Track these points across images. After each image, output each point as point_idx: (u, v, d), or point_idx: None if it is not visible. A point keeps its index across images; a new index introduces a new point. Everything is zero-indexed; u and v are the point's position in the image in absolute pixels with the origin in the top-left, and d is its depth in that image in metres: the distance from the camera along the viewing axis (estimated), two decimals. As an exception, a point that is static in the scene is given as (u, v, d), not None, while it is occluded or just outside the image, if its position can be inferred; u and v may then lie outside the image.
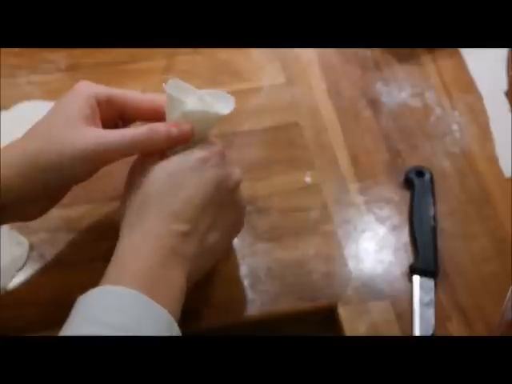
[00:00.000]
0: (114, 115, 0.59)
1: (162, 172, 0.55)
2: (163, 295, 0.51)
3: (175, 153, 0.57)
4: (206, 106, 0.57)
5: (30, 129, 0.57)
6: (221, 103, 0.58)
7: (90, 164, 0.56)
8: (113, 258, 0.53)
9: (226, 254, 0.64)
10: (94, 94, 0.58)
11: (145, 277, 0.51)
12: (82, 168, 0.56)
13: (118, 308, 0.49)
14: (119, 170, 0.69)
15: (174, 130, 0.56)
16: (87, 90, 0.58)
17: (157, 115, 0.58)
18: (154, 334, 0.48)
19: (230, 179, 0.57)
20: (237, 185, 0.58)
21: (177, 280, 0.53)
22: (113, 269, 0.53)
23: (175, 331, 0.50)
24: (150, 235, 0.53)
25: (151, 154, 0.57)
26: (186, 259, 0.54)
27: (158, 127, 0.56)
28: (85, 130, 0.56)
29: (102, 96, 0.58)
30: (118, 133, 0.56)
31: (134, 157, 0.59)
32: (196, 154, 0.56)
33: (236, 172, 0.58)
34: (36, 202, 0.58)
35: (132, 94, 0.60)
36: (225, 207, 0.57)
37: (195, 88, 0.58)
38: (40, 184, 0.55)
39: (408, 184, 0.70)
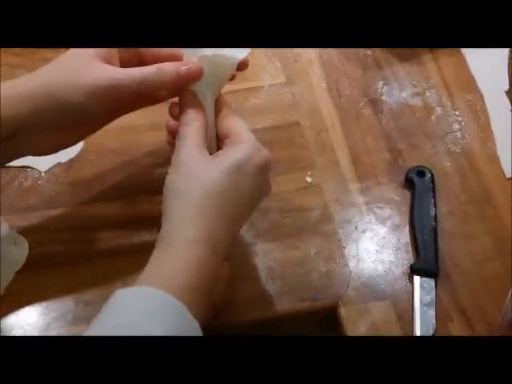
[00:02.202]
0: (135, 60, 0.60)
1: (223, 172, 0.55)
2: (204, 309, 0.52)
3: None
4: (221, 50, 0.58)
5: (48, 64, 0.58)
6: (234, 52, 0.59)
7: (102, 99, 0.57)
8: (161, 245, 0.53)
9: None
10: None
11: (195, 290, 0.51)
12: (94, 102, 0.56)
13: (157, 316, 0.48)
14: (119, 170, 0.70)
15: (183, 69, 0.57)
16: None
17: (174, 60, 0.59)
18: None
19: (269, 190, 0.60)
20: (267, 195, 0.60)
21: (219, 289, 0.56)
22: (165, 261, 0.52)
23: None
24: (207, 236, 0.53)
25: (162, 94, 0.60)
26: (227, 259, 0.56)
27: (167, 66, 0.58)
28: (100, 65, 0.57)
29: None
30: (129, 70, 0.58)
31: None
32: (255, 159, 0.56)
33: (270, 185, 0.60)
34: (47, 134, 0.58)
35: None
36: (254, 207, 0.59)
37: None
38: (52, 116, 0.56)
39: (409, 184, 0.70)
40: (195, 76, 0.58)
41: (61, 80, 0.56)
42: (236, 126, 0.58)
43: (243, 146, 0.56)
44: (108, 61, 0.58)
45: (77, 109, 0.56)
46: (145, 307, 0.48)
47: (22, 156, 0.61)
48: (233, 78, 0.61)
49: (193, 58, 0.58)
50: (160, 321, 0.48)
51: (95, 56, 0.57)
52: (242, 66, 0.61)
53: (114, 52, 0.59)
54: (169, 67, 0.58)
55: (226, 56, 0.58)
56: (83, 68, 0.57)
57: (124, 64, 0.60)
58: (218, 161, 0.55)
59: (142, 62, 0.60)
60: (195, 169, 0.55)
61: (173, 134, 0.60)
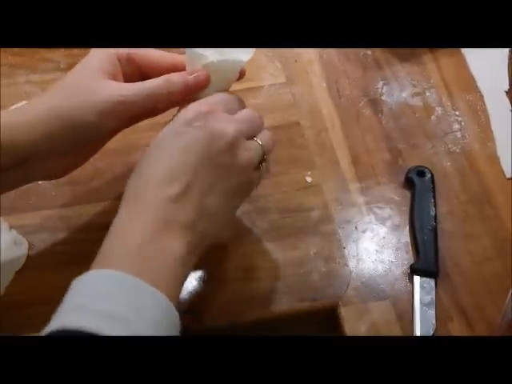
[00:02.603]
0: (136, 72, 0.60)
1: (151, 143, 0.55)
2: (158, 272, 0.50)
3: None
4: (225, 56, 0.58)
5: (55, 84, 0.58)
6: (238, 55, 0.59)
7: (113, 116, 0.57)
8: (107, 236, 0.52)
9: (232, 222, 0.61)
10: (114, 51, 0.59)
11: (137, 254, 0.50)
12: (105, 120, 0.56)
13: (110, 295, 0.47)
14: (119, 170, 0.70)
15: (191, 78, 0.58)
16: (107, 49, 0.60)
17: (177, 71, 0.59)
18: (148, 321, 0.47)
19: (221, 139, 0.54)
20: (230, 144, 0.55)
21: (175, 251, 0.51)
22: (106, 247, 0.52)
23: (171, 314, 0.49)
24: (140, 207, 0.52)
25: (171, 104, 0.59)
26: (183, 227, 0.52)
27: (174, 76, 0.58)
28: (107, 82, 0.57)
29: (122, 54, 0.60)
30: (136, 84, 0.58)
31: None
32: (181, 117, 0.55)
33: (229, 131, 0.55)
34: (60, 157, 0.58)
35: (152, 51, 0.61)
36: (223, 169, 0.55)
37: None
38: (64, 139, 0.56)
39: (409, 184, 0.70)
40: (203, 84, 0.58)
41: (70, 101, 0.56)
42: None
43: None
44: (113, 77, 0.58)
45: (89, 128, 0.56)
46: (94, 291, 0.48)
47: (31, 182, 0.60)
48: (239, 78, 0.61)
49: (197, 65, 0.58)
50: (114, 297, 0.47)
51: (101, 73, 0.57)
52: (240, 74, 0.61)
53: (117, 68, 0.59)
54: (176, 77, 0.58)
55: (231, 61, 0.58)
56: (91, 86, 0.57)
57: (127, 79, 0.60)
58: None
59: (144, 76, 0.60)
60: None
61: None
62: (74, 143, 0.57)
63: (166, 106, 0.61)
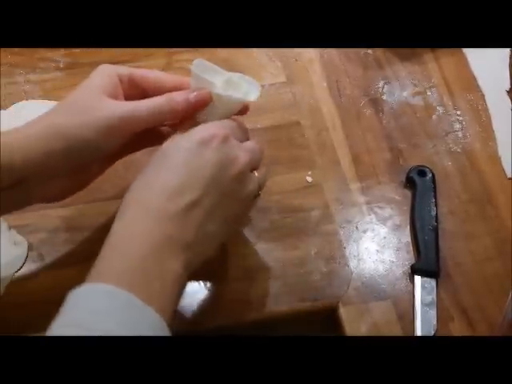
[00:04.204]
0: (137, 94, 0.60)
1: (159, 150, 0.55)
2: (156, 290, 0.50)
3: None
4: (233, 88, 0.58)
5: (56, 104, 0.58)
6: (247, 87, 0.59)
7: (113, 135, 0.56)
8: (105, 243, 0.52)
9: (220, 248, 0.61)
10: (116, 73, 0.59)
11: (137, 270, 0.50)
12: (104, 138, 0.56)
13: (106, 312, 0.47)
14: (119, 170, 0.69)
15: (192, 95, 0.57)
16: (109, 69, 0.59)
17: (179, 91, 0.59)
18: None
19: (233, 166, 0.55)
20: (241, 173, 0.56)
21: (173, 268, 0.51)
22: (106, 258, 0.51)
23: (165, 334, 0.49)
24: (143, 216, 0.52)
25: (174, 122, 0.58)
26: (183, 245, 0.52)
27: (177, 94, 0.58)
28: (108, 101, 0.57)
29: (124, 74, 0.59)
30: (139, 102, 0.58)
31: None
32: (196, 135, 0.56)
33: (242, 160, 0.56)
34: (60, 178, 0.57)
35: (154, 73, 0.61)
36: (230, 196, 0.56)
37: (220, 69, 0.59)
38: (64, 158, 0.55)
39: (410, 183, 0.70)
40: (204, 102, 0.58)
41: (70, 119, 0.56)
42: None
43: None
44: (114, 97, 0.58)
45: (88, 147, 0.56)
46: (89, 306, 0.48)
47: (30, 204, 0.59)
48: (242, 113, 0.61)
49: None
50: (110, 316, 0.47)
51: (102, 92, 0.57)
52: (242, 111, 0.61)
53: (118, 88, 0.59)
54: (178, 95, 0.58)
55: (238, 98, 0.58)
56: (92, 105, 0.56)
57: (128, 100, 0.59)
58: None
59: (145, 97, 0.60)
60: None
61: None
62: (73, 163, 0.57)
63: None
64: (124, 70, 0.60)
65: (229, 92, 0.58)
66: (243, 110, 0.61)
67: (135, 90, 0.60)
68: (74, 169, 0.58)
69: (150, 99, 0.58)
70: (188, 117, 0.58)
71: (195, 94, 0.58)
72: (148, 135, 0.61)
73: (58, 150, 0.55)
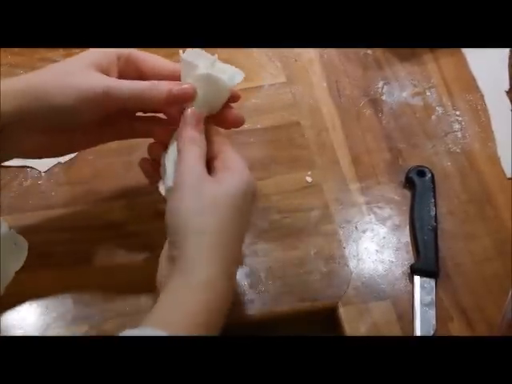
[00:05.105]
0: (133, 73, 0.60)
1: (232, 205, 0.54)
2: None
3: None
4: (216, 71, 0.58)
5: (43, 68, 0.59)
6: (231, 73, 0.59)
7: (91, 105, 0.57)
8: (166, 288, 0.52)
9: None
10: (116, 51, 0.60)
11: (191, 323, 0.50)
12: (82, 107, 0.57)
13: None
14: (119, 170, 0.70)
15: (176, 88, 0.57)
16: (109, 49, 0.60)
17: (174, 80, 0.59)
18: None
19: (255, 197, 0.58)
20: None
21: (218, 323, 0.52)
22: (165, 306, 0.51)
23: None
24: (226, 275, 0.52)
25: (153, 108, 0.60)
26: (228, 301, 0.54)
27: (161, 83, 0.58)
28: (93, 73, 0.57)
29: (123, 52, 0.60)
30: (123, 81, 0.58)
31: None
32: (252, 187, 0.56)
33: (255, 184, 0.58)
34: (33, 135, 0.58)
35: (154, 57, 0.61)
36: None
37: (207, 53, 0.59)
38: (37, 115, 0.56)
39: (409, 184, 0.70)
40: (187, 97, 0.57)
41: (51, 82, 0.57)
42: (223, 148, 0.58)
43: (243, 175, 0.56)
44: (105, 71, 0.58)
45: (64, 111, 0.56)
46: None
47: (11, 158, 0.61)
48: (233, 101, 0.60)
49: (189, 75, 0.58)
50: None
51: (90, 65, 0.58)
52: (234, 98, 0.60)
53: (112, 64, 0.59)
54: (163, 85, 0.58)
55: (220, 79, 0.58)
56: (76, 74, 0.57)
57: (122, 77, 0.60)
58: (224, 189, 0.54)
59: (142, 78, 0.60)
60: (205, 194, 0.53)
61: (147, 174, 0.61)
62: (48, 122, 0.57)
63: (148, 112, 0.62)
64: (124, 50, 0.61)
65: (213, 72, 0.58)
66: (235, 97, 0.60)
67: (132, 70, 0.60)
68: (50, 128, 0.58)
69: (135, 81, 0.58)
70: (171, 106, 0.59)
71: (180, 87, 0.57)
72: (130, 124, 0.62)
73: (32, 108, 0.56)
